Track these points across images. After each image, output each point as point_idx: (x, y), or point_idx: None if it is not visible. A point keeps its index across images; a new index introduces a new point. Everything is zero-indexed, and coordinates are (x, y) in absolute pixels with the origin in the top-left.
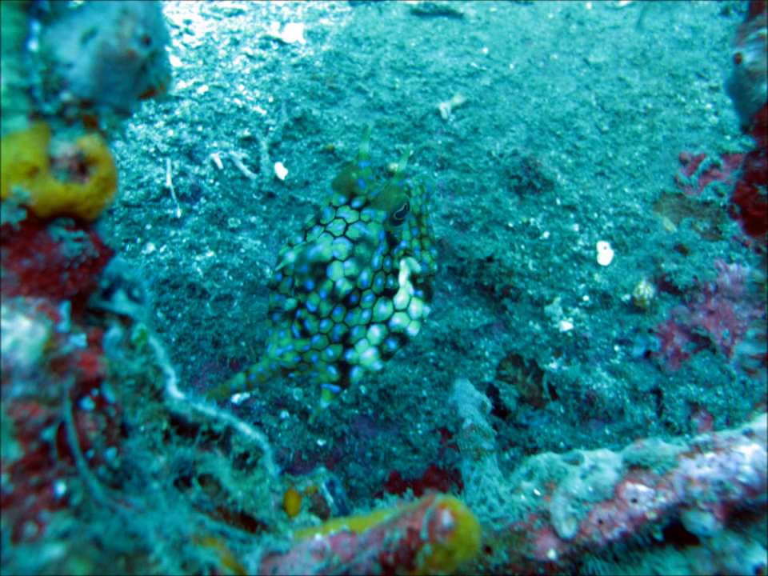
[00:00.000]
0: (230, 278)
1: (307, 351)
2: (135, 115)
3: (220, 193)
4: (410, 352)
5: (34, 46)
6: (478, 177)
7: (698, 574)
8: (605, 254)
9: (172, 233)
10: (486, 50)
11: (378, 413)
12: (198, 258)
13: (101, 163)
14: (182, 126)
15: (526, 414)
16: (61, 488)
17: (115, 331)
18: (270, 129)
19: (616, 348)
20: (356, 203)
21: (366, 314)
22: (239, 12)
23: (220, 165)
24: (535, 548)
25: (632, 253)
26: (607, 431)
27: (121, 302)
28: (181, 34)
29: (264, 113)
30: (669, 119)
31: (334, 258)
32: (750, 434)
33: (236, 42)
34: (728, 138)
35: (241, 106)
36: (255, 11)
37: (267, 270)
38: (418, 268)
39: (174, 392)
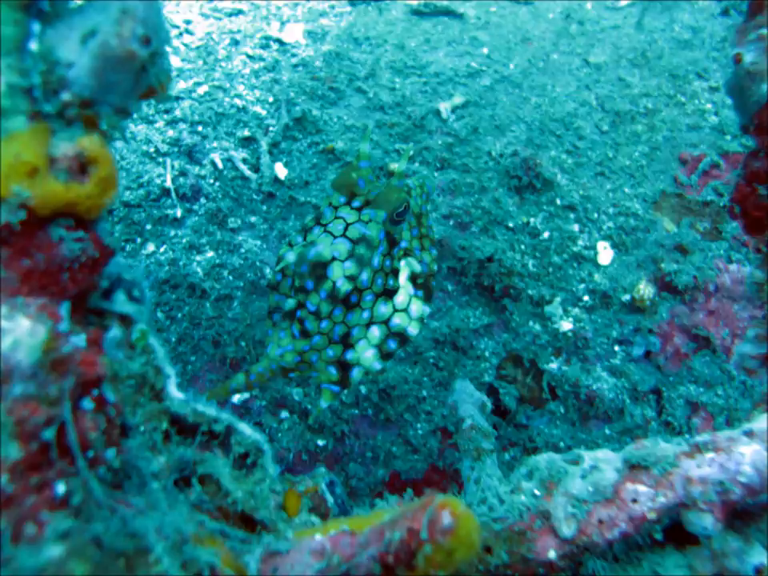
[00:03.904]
0: (230, 278)
1: (307, 351)
2: (135, 115)
3: (220, 193)
4: (410, 352)
5: (34, 46)
6: (478, 177)
7: (697, 574)
8: (605, 253)
9: (172, 233)
10: (485, 50)
11: (378, 413)
12: (198, 258)
13: (101, 163)
14: (181, 125)
15: (526, 414)
16: (61, 488)
17: (115, 331)
18: (270, 129)
19: (616, 348)
20: (356, 203)
21: (366, 314)
22: (239, 12)
23: (220, 165)
24: (535, 548)
25: (632, 253)
26: (607, 431)
27: (121, 302)
28: (181, 33)
29: (264, 113)
30: (669, 119)
31: (333, 258)
32: (750, 433)
33: (236, 42)
34: (728, 137)
35: (241, 106)
36: (255, 11)
37: (267, 270)
38: (417, 268)
39: (174, 392)
